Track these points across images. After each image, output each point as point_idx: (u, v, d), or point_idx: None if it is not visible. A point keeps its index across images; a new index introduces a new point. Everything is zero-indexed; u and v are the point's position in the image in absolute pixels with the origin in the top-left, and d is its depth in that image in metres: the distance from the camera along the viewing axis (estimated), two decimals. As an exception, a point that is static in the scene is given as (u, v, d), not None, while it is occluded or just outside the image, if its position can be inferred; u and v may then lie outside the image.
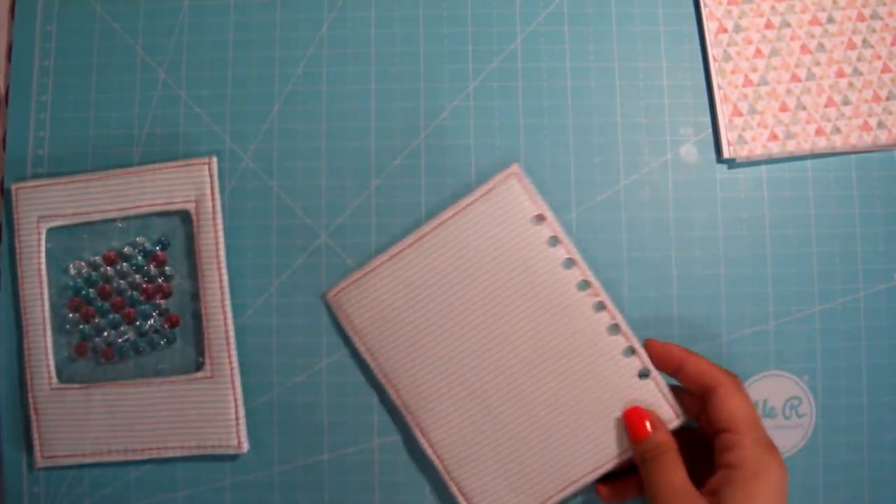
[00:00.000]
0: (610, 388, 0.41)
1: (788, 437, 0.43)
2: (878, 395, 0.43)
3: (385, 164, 0.45)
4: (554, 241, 0.41)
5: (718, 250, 0.44)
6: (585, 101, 0.45)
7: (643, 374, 0.40)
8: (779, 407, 0.43)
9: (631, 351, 0.40)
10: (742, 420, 0.36)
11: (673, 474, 0.36)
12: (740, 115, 0.44)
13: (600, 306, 0.41)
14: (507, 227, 0.42)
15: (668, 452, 0.37)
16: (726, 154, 0.44)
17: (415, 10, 0.45)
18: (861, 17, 0.44)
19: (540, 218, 0.42)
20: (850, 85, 0.44)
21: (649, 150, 0.45)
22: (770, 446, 0.36)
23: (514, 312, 0.42)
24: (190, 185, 0.44)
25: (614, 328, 0.41)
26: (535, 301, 0.41)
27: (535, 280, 0.41)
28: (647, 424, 0.39)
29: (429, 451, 0.42)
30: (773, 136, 0.44)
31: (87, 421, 0.43)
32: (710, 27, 0.45)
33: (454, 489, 0.42)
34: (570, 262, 0.41)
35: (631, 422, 0.39)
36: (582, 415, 0.41)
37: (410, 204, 0.44)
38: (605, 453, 0.40)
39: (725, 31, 0.45)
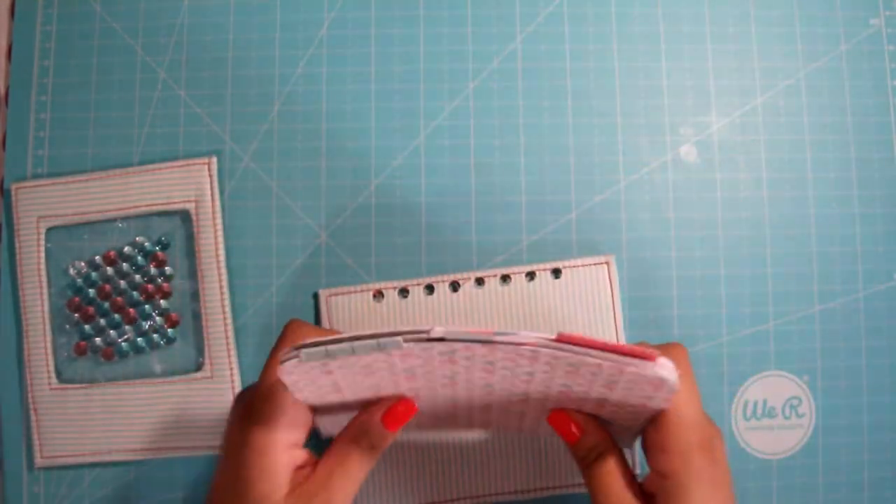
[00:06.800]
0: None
1: (788, 437, 0.43)
2: (878, 395, 0.43)
3: (385, 164, 0.45)
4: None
5: (718, 250, 0.44)
6: (585, 101, 0.45)
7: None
8: (779, 407, 0.43)
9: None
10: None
11: (612, 480, 0.32)
12: None
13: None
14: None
15: (606, 455, 0.33)
16: None
17: (415, 10, 0.45)
18: None
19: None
20: None
21: (649, 150, 0.45)
22: (703, 444, 0.31)
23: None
24: (190, 185, 0.44)
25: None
26: None
27: None
28: (573, 427, 0.33)
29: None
30: None
31: (87, 421, 0.43)
32: None
33: None
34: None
35: (558, 428, 0.34)
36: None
37: (410, 204, 0.44)
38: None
39: None
